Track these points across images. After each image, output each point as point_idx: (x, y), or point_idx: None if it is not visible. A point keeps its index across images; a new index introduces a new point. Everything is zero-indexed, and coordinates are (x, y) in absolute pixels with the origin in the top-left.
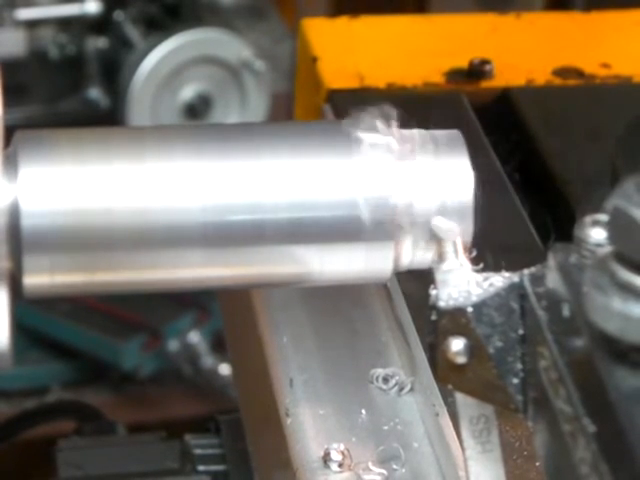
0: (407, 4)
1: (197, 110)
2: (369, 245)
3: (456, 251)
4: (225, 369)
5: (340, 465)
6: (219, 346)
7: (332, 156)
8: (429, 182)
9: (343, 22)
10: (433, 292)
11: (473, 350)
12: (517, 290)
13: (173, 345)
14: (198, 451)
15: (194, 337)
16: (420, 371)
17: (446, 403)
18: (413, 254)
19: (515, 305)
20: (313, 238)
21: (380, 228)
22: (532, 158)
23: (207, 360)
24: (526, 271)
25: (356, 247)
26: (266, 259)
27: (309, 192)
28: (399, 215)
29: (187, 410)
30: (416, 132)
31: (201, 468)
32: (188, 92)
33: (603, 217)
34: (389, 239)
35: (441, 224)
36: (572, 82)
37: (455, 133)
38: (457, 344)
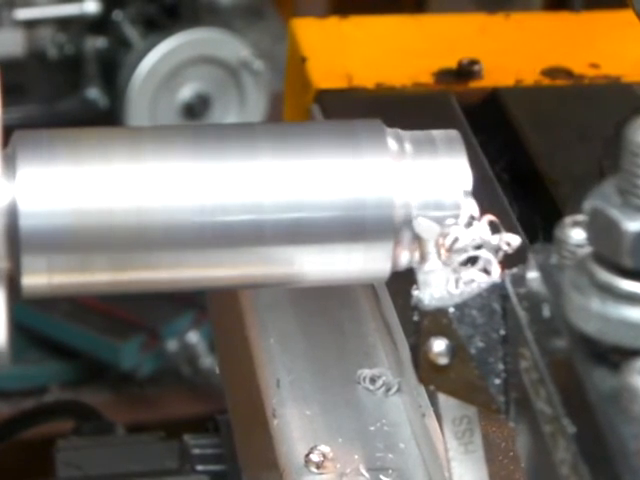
0: (406, 4)
1: (196, 110)
2: (368, 245)
3: (438, 252)
4: None
5: (318, 467)
6: None
7: (331, 157)
8: (428, 182)
9: (332, 22)
10: (415, 293)
11: (455, 351)
12: (499, 291)
13: (172, 345)
14: (197, 451)
15: (193, 337)
16: (407, 372)
17: (433, 404)
18: (411, 254)
19: (497, 306)
20: (312, 239)
21: (379, 228)
22: (521, 158)
23: (206, 360)
24: (507, 272)
25: (355, 247)
26: (265, 259)
27: (308, 193)
28: (398, 215)
29: (186, 410)
30: (415, 132)
31: (200, 468)
32: (187, 92)
33: (583, 218)
34: (388, 239)
35: (423, 224)
36: (561, 82)
37: (453, 133)
38: (439, 345)
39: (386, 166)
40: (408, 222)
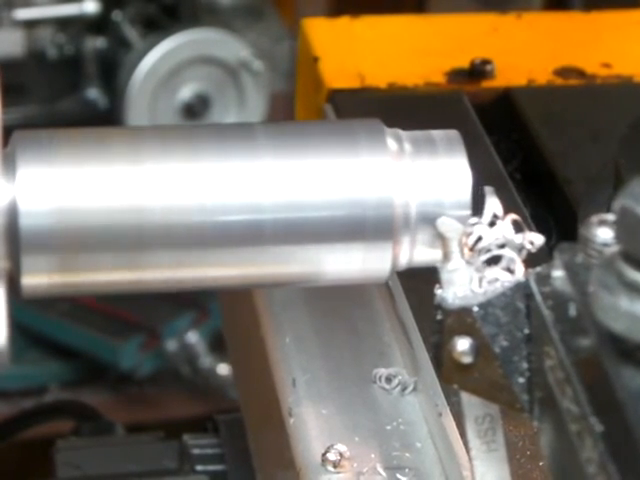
0: (406, 4)
1: (195, 110)
2: (367, 245)
3: (461, 250)
4: (223, 369)
5: (335, 466)
6: (217, 346)
7: (330, 157)
8: (427, 182)
9: (344, 22)
10: (438, 292)
11: (479, 350)
12: (523, 290)
13: (171, 345)
14: (196, 451)
15: (192, 337)
16: (423, 371)
17: (449, 403)
18: (411, 254)
19: (521, 305)
20: (311, 238)
21: (378, 228)
22: (533, 158)
23: (205, 360)
24: (531, 271)
25: (354, 247)
26: (264, 259)
27: (307, 192)
28: (397, 215)
29: (185, 410)
30: (414, 132)
31: (199, 468)
32: (186, 92)
33: (610, 217)
34: (387, 239)
35: (446, 223)
36: (573, 82)
37: (453, 133)
38: (463, 344)
39: (386, 166)
40: (408, 222)
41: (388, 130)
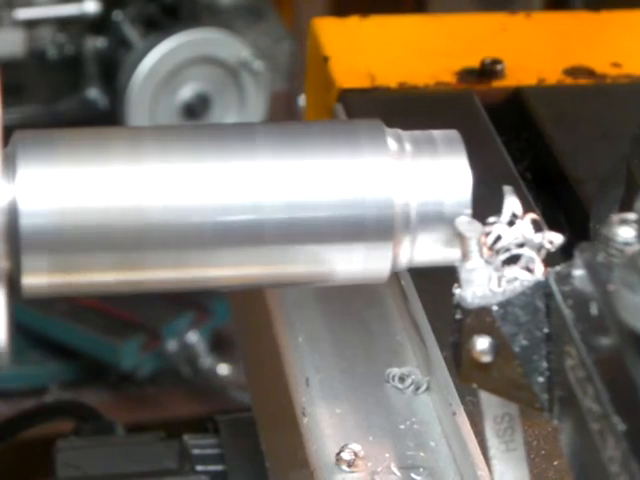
0: (405, 3)
1: (196, 110)
2: (368, 245)
3: (480, 250)
4: (224, 369)
5: (350, 465)
6: (218, 346)
7: (331, 157)
8: (427, 182)
9: (354, 22)
10: (457, 291)
11: (498, 349)
12: (542, 289)
13: (172, 345)
14: (196, 451)
15: (193, 337)
16: (436, 370)
17: (463, 402)
18: (411, 254)
19: (540, 304)
20: (311, 239)
21: (379, 228)
22: (544, 157)
23: (206, 360)
24: (551, 270)
25: (355, 247)
26: (264, 260)
27: (308, 193)
28: (397, 215)
29: (185, 410)
30: (415, 132)
31: (199, 468)
32: (187, 92)
33: (631, 216)
34: (388, 239)
35: (465, 222)
36: (583, 81)
37: (453, 133)
38: (482, 343)
39: (386, 166)
40: (408, 222)
41: (388, 130)
